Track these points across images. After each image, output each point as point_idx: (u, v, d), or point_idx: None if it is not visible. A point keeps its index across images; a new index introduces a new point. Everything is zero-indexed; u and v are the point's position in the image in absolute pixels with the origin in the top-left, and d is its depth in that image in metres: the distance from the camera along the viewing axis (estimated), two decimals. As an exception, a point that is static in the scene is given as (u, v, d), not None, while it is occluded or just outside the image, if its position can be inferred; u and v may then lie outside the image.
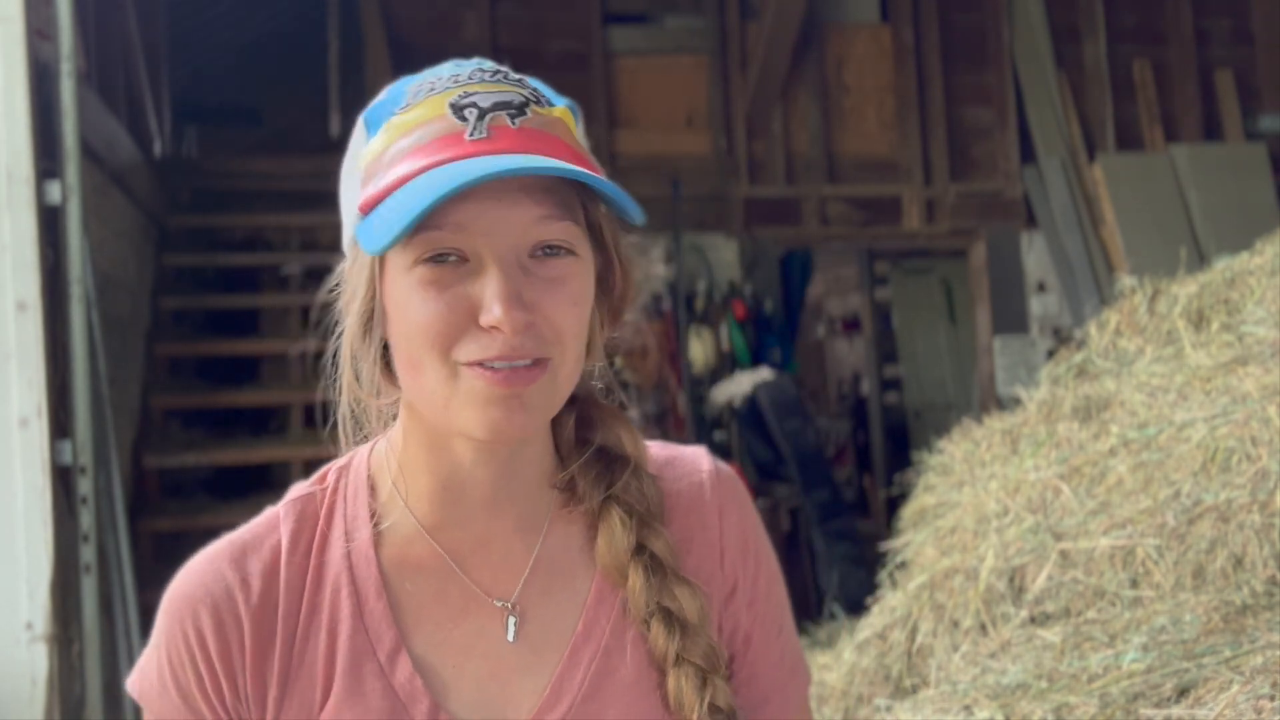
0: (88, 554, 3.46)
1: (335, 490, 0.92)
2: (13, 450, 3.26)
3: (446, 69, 0.86)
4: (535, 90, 0.85)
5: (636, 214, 0.81)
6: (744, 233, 6.68)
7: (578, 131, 0.86)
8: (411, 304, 0.80)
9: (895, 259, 8.76)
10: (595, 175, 0.78)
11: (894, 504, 4.28)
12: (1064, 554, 2.42)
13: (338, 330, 0.88)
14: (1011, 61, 7.11)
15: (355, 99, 8.05)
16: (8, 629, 3.20)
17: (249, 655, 0.85)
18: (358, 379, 0.89)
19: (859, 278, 9.20)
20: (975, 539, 2.71)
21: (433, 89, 0.83)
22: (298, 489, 0.93)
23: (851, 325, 10.71)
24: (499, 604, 0.89)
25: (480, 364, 0.79)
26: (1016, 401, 3.57)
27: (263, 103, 10.22)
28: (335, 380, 0.90)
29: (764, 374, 6.06)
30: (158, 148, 6.75)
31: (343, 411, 0.91)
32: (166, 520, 4.98)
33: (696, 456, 0.98)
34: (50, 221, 3.48)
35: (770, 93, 6.70)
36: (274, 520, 0.90)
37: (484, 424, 0.80)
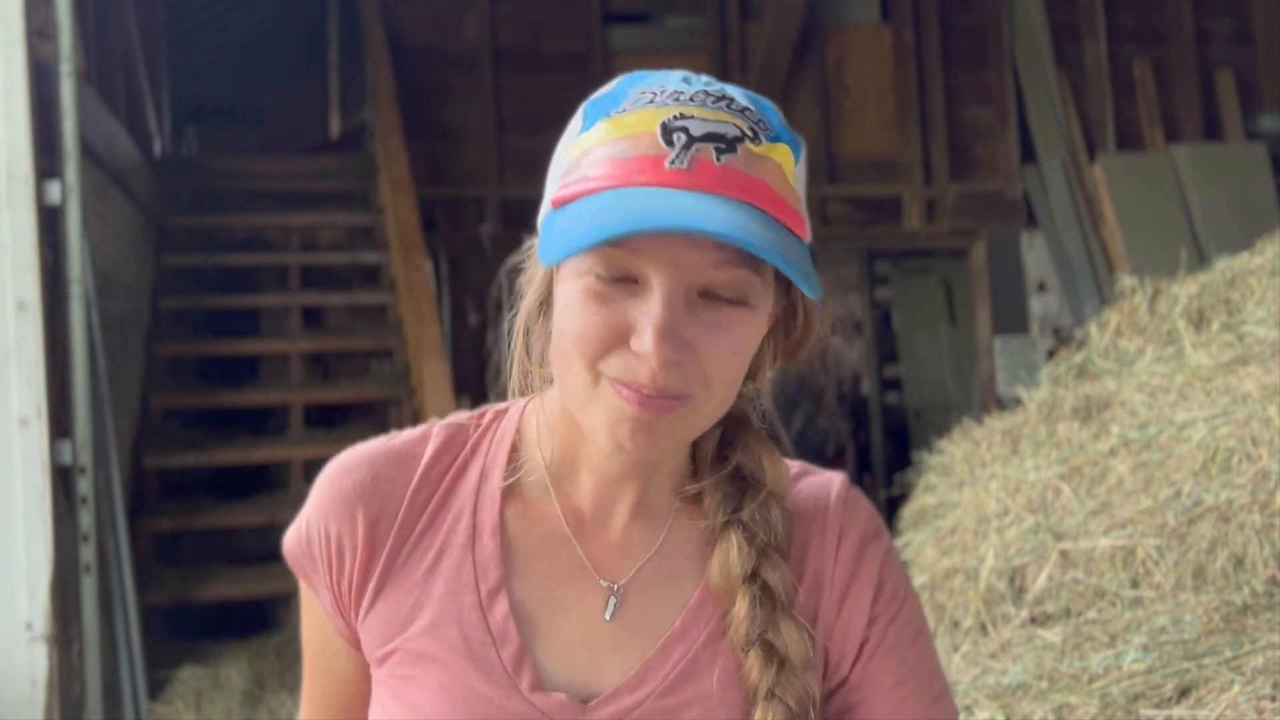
0: (87, 554, 3.46)
1: (486, 430, 0.96)
2: (13, 450, 3.26)
3: (675, 79, 0.84)
4: (760, 122, 0.82)
5: (813, 290, 0.78)
6: (744, 233, 6.67)
7: (795, 171, 0.83)
8: (572, 307, 0.81)
9: (895, 259, 8.75)
10: (761, 247, 0.74)
11: (894, 504, 4.28)
12: (1064, 554, 2.42)
13: (517, 303, 0.92)
14: (1011, 61, 7.11)
15: (355, 99, 8.06)
16: (8, 629, 3.20)
17: (360, 549, 0.91)
18: (528, 353, 0.93)
19: (859, 278, 9.19)
20: (975, 539, 2.71)
21: (652, 100, 0.81)
22: (456, 416, 0.97)
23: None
24: (604, 584, 0.91)
25: (621, 382, 0.80)
26: (1016, 401, 3.57)
27: (263, 103, 10.22)
28: (510, 347, 0.94)
29: (764, 374, 6.06)
30: (158, 148, 6.74)
31: (514, 384, 0.96)
32: (166, 520, 4.97)
33: (830, 480, 0.98)
34: (50, 221, 3.48)
35: (770, 93, 6.69)
36: (426, 434, 0.95)
37: (610, 438, 0.82)
